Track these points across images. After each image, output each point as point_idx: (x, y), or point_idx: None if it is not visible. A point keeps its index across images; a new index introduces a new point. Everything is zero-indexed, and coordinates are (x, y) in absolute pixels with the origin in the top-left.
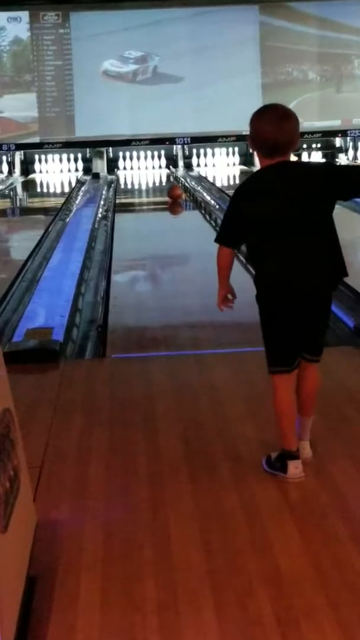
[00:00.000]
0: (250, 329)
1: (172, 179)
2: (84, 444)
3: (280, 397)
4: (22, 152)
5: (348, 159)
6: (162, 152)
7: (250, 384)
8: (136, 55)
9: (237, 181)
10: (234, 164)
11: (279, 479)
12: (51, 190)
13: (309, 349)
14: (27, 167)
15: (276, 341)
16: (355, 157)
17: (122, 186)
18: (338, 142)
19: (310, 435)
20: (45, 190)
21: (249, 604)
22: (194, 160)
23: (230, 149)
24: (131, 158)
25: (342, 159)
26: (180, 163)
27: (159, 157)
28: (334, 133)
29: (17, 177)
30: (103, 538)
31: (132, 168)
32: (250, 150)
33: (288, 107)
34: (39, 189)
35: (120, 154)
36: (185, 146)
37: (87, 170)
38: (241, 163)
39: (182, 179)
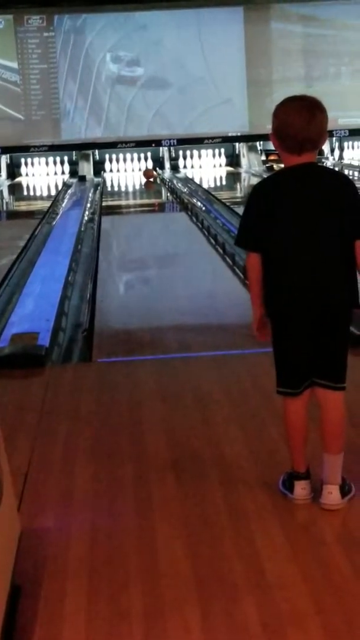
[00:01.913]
0: (236, 332)
1: (159, 181)
2: (70, 450)
3: (287, 418)
4: (8, 155)
5: (334, 159)
6: (149, 154)
7: (237, 387)
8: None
9: (224, 182)
10: (220, 165)
11: (265, 483)
12: (38, 193)
13: (323, 373)
14: (14, 171)
15: (283, 361)
16: (341, 157)
17: (109, 189)
18: None
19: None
20: (31, 193)
21: (235, 611)
22: (181, 162)
23: (217, 151)
24: (117, 160)
25: (330, 160)
26: (167, 165)
27: (146, 159)
28: None
29: (4, 180)
30: (89, 546)
31: (118, 170)
32: (237, 151)
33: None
34: (25, 192)
35: (107, 156)
36: (172, 148)
37: (73, 173)
38: (227, 164)
39: (169, 181)
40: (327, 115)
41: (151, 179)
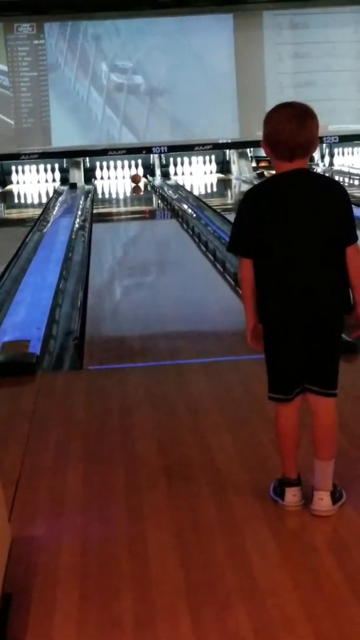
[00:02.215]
0: (227, 339)
1: (149, 188)
2: (61, 457)
3: (278, 424)
4: None
5: (324, 165)
6: (139, 161)
7: (228, 394)
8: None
9: (215, 189)
10: (211, 172)
11: (256, 490)
12: (28, 201)
13: (314, 380)
14: (4, 178)
15: (274, 367)
16: (331, 164)
17: (100, 196)
18: None
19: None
20: (22, 201)
21: (227, 618)
22: (171, 169)
23: (207, 157)
24: (108, 168)
25: (320, 167)
26: (158, 172)
27: (136, 166)
28: None
29: None
30: (80, 553)
31: (109, 178)
32: (228, 158)
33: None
34: (16, 200)
35: (97, 163)
36: (162, 155)
37: (64, 180)
38: (218, 171)
39: (160, 188)
40: (317, 122)
41: (139, 183)
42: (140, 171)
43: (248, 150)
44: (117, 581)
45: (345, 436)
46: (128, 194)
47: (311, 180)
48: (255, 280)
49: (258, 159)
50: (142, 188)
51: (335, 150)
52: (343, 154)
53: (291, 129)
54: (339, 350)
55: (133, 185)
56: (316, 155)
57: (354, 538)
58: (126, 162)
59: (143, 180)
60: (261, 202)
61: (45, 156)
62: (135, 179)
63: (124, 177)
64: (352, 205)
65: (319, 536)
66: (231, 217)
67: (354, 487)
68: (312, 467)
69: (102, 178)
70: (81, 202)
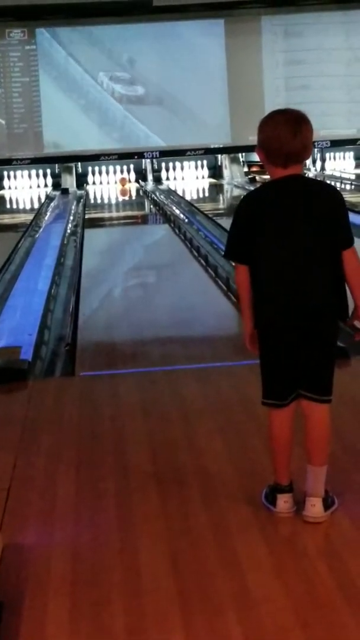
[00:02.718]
0: (219, 344)
1: (141, 193)
2: (52, 464)
3: (271, 430)
4: None
5: (316, 170)
6: (131, 166)
7: (220, 400)
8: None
9: (207, 194)
10: (202, 177)
11: (248, 497)
12: (20, 206)
13: (308, 386)
14: None
15: (268, 372)
16: (323, 169)
17: (92, 201)
18: None
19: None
20: (14, 206)
21: (218, 626)
22: (163, 174)
23: (199, 162)
24: (100, 173)
25: (312, 171)
26: (150, 177)
27: (128, 171)
28: None
29: None
30: (71, 561)
31: (101, 183)
32: (219, 163)
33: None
34: (8, 205)
35: (89, 168)
36: (154, 160)
37: (56, 185)
38: (210, 176)
39: (152, 193)
40: (312, 128)
41: (125, 186)
42: (133, 176)
43: (240, 155)
44: (109, 589)
45: (337, 442)
46: (120, 199)
47: (305, 185)
48: (251, 285)
49: (250, 164)
50: (129, 190)
51: (327, 154)
52: (334, 158)
53: (286, 135)
54: (333, 356)
55: (120, 187)
56: (308, 160)
57: (346, 545)
58: (118, 167)
59: (135, 185)
60: (255, 208)
61: (37, 161)
62: (121, 181)
63: (116, 182)
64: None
65: (311, 543)
66: (223, 222)
67: (346, 493)
68: (304, 473)
69: (94, 183)
70: (73, 207)
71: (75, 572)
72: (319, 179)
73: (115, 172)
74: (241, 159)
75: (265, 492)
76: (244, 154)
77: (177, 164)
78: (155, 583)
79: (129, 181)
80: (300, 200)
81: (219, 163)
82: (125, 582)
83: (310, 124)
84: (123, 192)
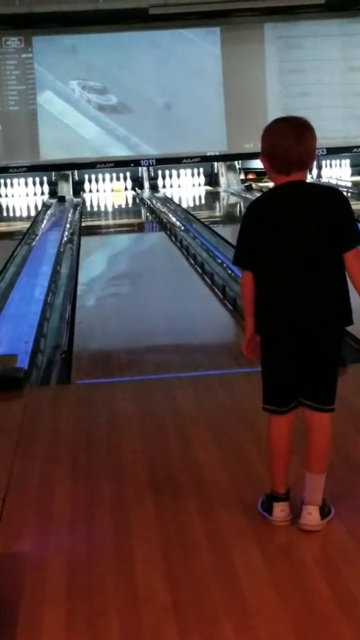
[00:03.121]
0: (215, 352)
1: (138, 201)
2: (48, 473)
3: (270, 437)
4: None
5: (312, 177)
6: (128, 174)
7: (216, 408)
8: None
9: (203, 202)
10: (199, 185)
11: (244, 505)
12: (17, 214)
13: (309, 394)
14: None
15: (269, 377)
16: (319, 176)
17: (88, 209)
18: None
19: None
20: (11, 214)
21: (214, 636)
22: (160, 182)
23: (196, 170)
24: (97, 180)
25: (308, 179)
26: (146, 185)
27: (125, 179)
28: None
29: None
30: (67, 571)
31: (97, 190)
32: (216, 171)
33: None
34: (4, 213)
35: (86, 176)
36: (151, 168)
37: (52, 193)
38: (206, 184)
39: (148, 201)
40: (315, 136)
41: (119, 192)
42: (129, 184)
43: (236, 162)
44: (104, 599)
45: (333, 451)
46: (116, 207)
47: (308, 191)
48: (255, 290)
49: (246, 171)
50: (123, 195)
51: (323, 162)
52: (331, 165)
53: (289, 142)
54: (336, 365)
55: (114, 193)
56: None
57: (343, 554)
58: (115, 175)
59: (131, 192)
60: (258, 214)
61: (34, 169)
62: (115, 187)
63: (112, 190)
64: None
65: (308, 552)
66: (219, 229)
67: (342, 502)
68: (302, 482)
69: (90, 191)
70: (70, 215)
71: (70, 582)
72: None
73: (112, 179)
74: (237, 167)
75: (261, 500)
76: (240, 161)
77: (174, 172)
78: (150, 593)
79: (121, 187)
80: (301, 205)
81: (215, 171)
82: (120, 591)
83: (314, 131)
84: (117, 197)
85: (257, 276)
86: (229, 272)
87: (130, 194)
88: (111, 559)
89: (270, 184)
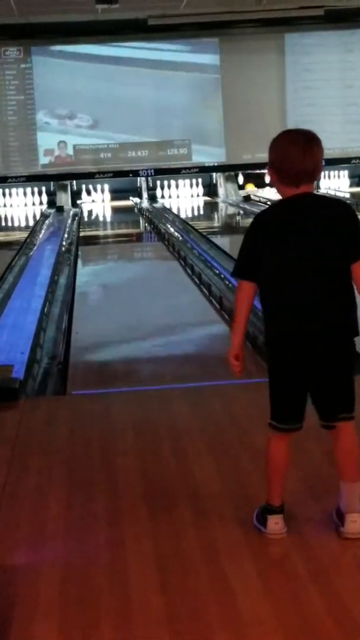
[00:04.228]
0: (210, 364)
1: (136, 211)
2: (43, 484)
3: (269, 452)
4: None
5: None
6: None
7: (212, 420)
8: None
9: (201, 212)
10: (197, 195)
11: (239, 518)
12: (15, 224)
13: (323, 413)
14: None
15: (275, 395)
16: (317, 187)
17: (86, 219)
18: None
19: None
20: (9, 224)
21: None
22: (158, 192)
23: (194, 181)
24: (95, 191)
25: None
26: (145, 195)
27: (126, 191)
28: None
29: None
30: (60, 582)
31: (94, 201)
32: (214, 182)
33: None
34: (3, 223)
35: (84, 186)
36: (149, 178)
37: (51, 203)
38: (205, 194)
39: (146, 211)
40: (322, 148)
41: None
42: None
43: (234, 173)
44: (98, 611)
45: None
46: (114, 217)
47: (315, 202)
48: (262, 301)
49: (246, 176)
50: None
51: (322, 173)
52: (329, 177)
53: (296, 154)
54: (352, 373)
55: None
56: None
57: (335, 567)
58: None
59: (131, 201)
60: (263, 226)
61: (32, 179)
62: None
63: (111, 200)
64: None
65: (301, 565)
66: (218, 240)
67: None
68: (296, 495)
69: (93, 201)
70: (68, 224)
71: (64, 594)
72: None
73: (111, 190)
74: (237, 177)
75: (256, 512)
76: (238, 172)
77: (172, 182)
78: (144, 605)
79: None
80: (308, 216)
81: (214, 181)
82: (114, 603)
83: (321, 143)
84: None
85: (264, 287)
86: (227, 283)
87: (129, 204)
88: (105, 571)
89: (270, 194)
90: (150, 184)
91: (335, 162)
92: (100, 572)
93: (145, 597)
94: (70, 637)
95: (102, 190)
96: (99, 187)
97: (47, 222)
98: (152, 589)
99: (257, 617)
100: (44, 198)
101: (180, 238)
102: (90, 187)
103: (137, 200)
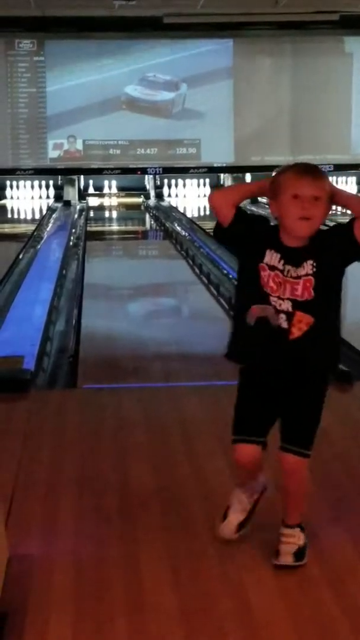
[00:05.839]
0: (220, 362)
1: (143, 208)
2: (54, 476)
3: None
4: None
5: None
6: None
7: (221, 418)
8: (165, 79)
9: (208, 212)
10: (204, 195)
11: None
12: (22, 216)
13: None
14: None
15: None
16: None
17: (93, 214)
18: None
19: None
20: (16, 216)
21: None
22: (165, 191)
23: (202, 180)
24: (103, 187)
25: None
26: (152, 193)
27: (133, 189)
28: None
29: None
30: (73, 575)
31: (102, 197)
32: (222, 182)
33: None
34: (9, 215)
35: (91, 182)
36: (157, 176)
37: (58, 197)
38: None
39: (153, 209)
40: (329, 181)
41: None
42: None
43: (241, 175)
44: (111, 605)
45: (340, 467)
46: (121, 214)
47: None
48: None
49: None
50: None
51: (330, 179)
52: (337, 183)
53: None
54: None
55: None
56: None
57: (349, 568)
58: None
59: (137, 199)
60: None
61: (40, 172)
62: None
63: (117, 197)
64: None
65: (316, 567)
66: None
67: (349, 518)
68: (315, 500)
69: (100, 196)
70: (75, 219)
71: (77, 587)
72: None
73: (118, 186)
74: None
75: None
76: (246, 174)
77: (180, 181)
78: (157, 601)
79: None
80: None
81: (222, 182)
82: (127, 597)
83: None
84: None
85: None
86: (235, 282)
87: (139, 200)
88: (118, 564)
89: None
90: (158, 182)
91: (343, 168)
92: (113, 565)
93: (158, 593)
94: (83, 628)
95: (110, 187)
96: (106, 182)
97: (54, 215)
98: (164, 583)
99: (270, 618)
100: (51, 192)
101: (188, 237)
102: (98, 182)
103: (144, 198)
